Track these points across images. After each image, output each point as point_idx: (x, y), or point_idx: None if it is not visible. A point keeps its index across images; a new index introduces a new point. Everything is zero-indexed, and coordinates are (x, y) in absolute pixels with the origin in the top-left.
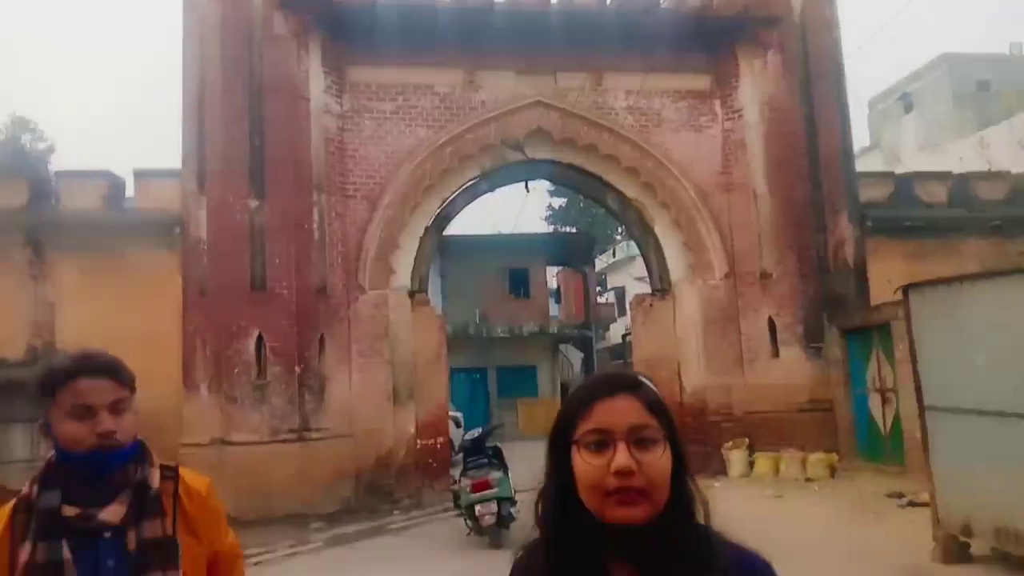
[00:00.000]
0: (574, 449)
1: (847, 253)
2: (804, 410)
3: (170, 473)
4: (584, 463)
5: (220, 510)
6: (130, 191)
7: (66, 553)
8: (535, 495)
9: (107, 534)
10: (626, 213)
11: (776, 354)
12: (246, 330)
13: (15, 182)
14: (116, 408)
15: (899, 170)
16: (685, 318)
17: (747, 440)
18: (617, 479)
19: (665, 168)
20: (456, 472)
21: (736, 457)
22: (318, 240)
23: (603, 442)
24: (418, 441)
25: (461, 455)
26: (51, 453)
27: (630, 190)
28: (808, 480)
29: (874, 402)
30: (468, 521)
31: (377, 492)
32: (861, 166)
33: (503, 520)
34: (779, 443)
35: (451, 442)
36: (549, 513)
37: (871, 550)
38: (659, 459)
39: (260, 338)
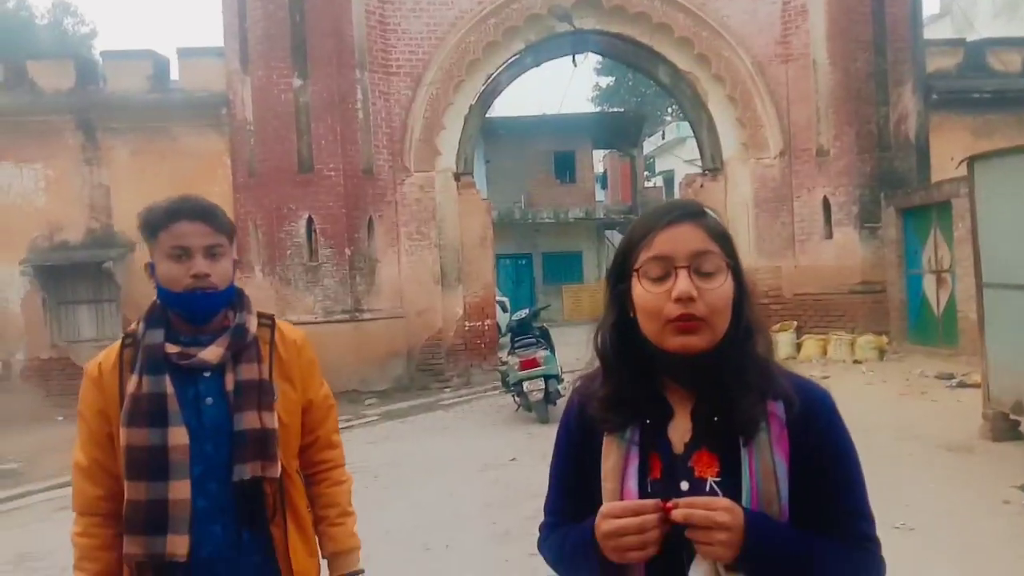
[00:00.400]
0: (635, 278)
1: (909, 128)
2: (855, 292)
3: (267, 321)
4: (644, 291)
5: (315, 361)
6: (174, 73)
7: (168, 387)
8: (582, 368)
9: (207, 374)
10: (678, 87)
11: (829, 235)
12: (296, 212)
13: (62, 64)
14: (211, 252)
15: (972, 39)
16: (737, 199)
17: (795, 322)
18: (678, 306)
19: (721, 38)
20: (503, 353)
21: (783, 339)
22: (363, 120)
23: (665, 270)
24: (466, 323)
25: (508, 336)
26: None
27: (683, 62)
28: (856, 362)
29: (928, 284)
30: (516, 397)
31: (428, 371)
32: (930, 34)
33: (550, 396)
34: (828, 325)
35: (498, 325)
36: (608, 342)
37: (919, 428)
38: (721, 287)
39: (310, 220)
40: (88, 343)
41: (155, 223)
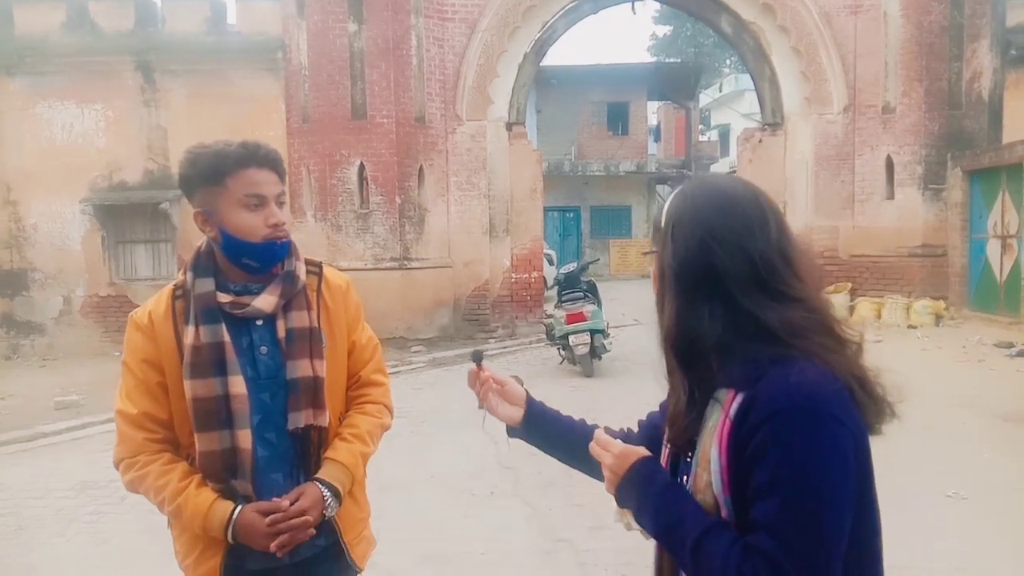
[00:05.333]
0: None
1: (983, 86)
2: (915, 255)
3: (314, 269)
4: None
5: (359, 305)
6: (231, 16)
7: (225, 336)
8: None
9: (259, 322)
10: (740, 38)
11: (891, 195)
12: (348, 159)
13: (122, 5)
14: (279, 201)
15: None
16: (796, 155)
17: (850, 284)
18: None
19: None
20: (550, 307)
21: (836, 301)
22: (416, 67)
23: None
24: (513, 275)
25: (555, 289)
26: (202, 241)
27: (747, 11)
28: (911, 327)
29: (993, 249)
30: (561, 351)
31: (473, 321)
32: None
33: (595, 351)
34: (883, 288)
35: (544, 278)
36: None
37: (975, 397)
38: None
39: (362, 167)
40: (144, 281)
41: (222, 168)
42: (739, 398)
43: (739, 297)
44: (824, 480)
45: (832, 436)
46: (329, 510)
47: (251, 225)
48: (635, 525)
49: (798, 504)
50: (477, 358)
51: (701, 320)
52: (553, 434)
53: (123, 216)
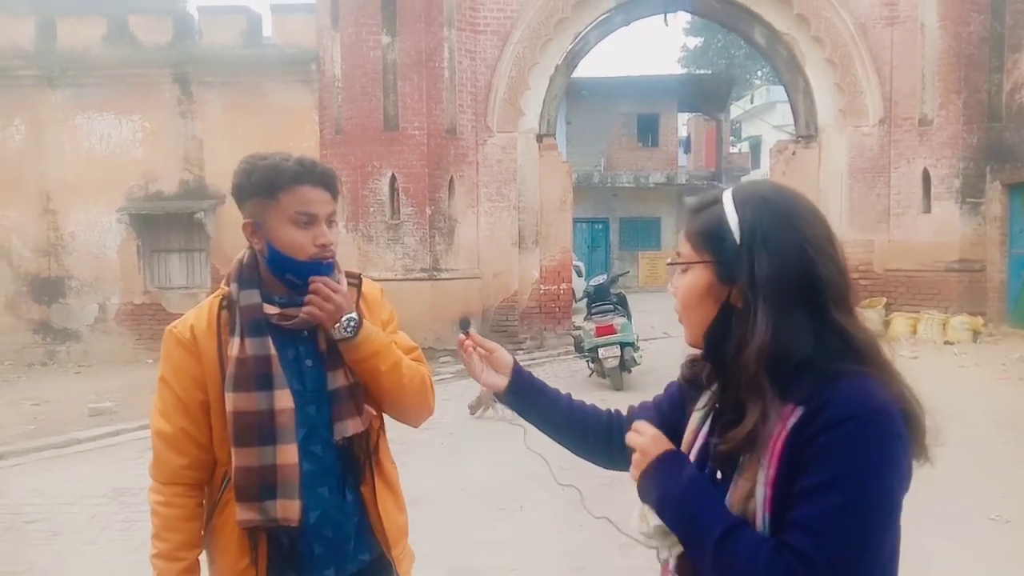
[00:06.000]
0: None
1: (1023, 97)
2: (952, 270)
3: (354, 281)
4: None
5: (392, 310)
6: (267, 28)
7: (272, 349)
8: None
9: (304, 333)
10: (774, 49)
11: (927, 209)
12: (379, 170)
13: (161, 19)
14: (330, 220)
15: None
16: (830, 168)
17: (884, 299)
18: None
19: None
20: (578, 318)
21: (870, 316)
22: (448, 79)
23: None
24: (542, 286)
25: (584, 301)
26: (244, 252)
27: (781, 22)
28: (947, 343)
29: None
30: (590, 364)
31: (502, 332)
32: None
33: (625, 364)
34: (919, 304)
35: (572, 290)
36: None
37: (1015, 416)
38: (681, 282)
39: (393, 178)
40: (178, 290)
41: (277, 183)
42: (798, 411)
43: (832, 310)
44: (882, 493)
45: (895, 453)
46: (346, 325)
47: (299, 243)
48: (654, 520)
49: (851, 509)
50: (465, 326)
51: (797, 334)
52: (539, 405)
53: (158, 225)
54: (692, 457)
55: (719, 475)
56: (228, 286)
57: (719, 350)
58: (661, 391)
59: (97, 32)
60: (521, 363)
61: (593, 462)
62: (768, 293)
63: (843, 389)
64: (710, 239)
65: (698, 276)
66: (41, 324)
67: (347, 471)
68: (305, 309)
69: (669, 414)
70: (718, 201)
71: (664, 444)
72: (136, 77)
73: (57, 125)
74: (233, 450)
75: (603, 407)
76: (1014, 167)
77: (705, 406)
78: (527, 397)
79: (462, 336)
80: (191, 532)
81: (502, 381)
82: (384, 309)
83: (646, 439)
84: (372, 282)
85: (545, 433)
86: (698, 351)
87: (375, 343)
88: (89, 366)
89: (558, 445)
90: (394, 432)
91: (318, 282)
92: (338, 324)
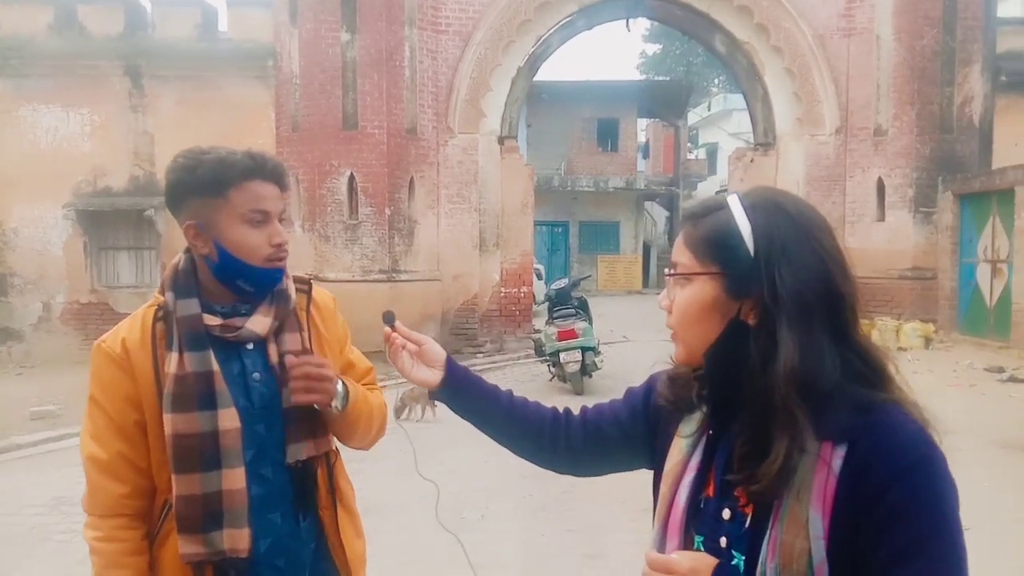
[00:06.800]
0: None
1: (974, 111)
2: (905, 277)
3: (303, 287)
4: None
5: (345, 324)
6: (223, 22)
7: (214, 364)
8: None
9: (249, 346)
10: (734, 58)
11: (882, 217)
12: (338, 169)
13: (112, 9)
14: (281, 218)
15: None
16: (788, 175)
17: None
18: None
19: (782, 7)
20: (538, 322)
21: None
22: (409, 78)
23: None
24: (502, 289)
25: (546, 304)
26: (179, 257)
27: (741, 31)
28: (901, 349)
29: (983, 273)
30: (551, 368)
31: (461, 335)
32: (1004, 11)
33: (586, 368)
34: (873, 311)
35: (533, 293)
36: None
37: (970, 423)
38: (680, 296)
39: (352, 178)
40: (127, 289)
41: (225, 178)
42: (839, 451)
43: (851, 329)
44: (960, 534)
45: (954, 486)
46: (338, 401)
47: (253, 243)
48: None
49: (948, 561)
50: (389, 319)
51: (824, 356)
52: (476, 402)
53: (107, 222)
54: (685, 490)
55: (728, 513)
56: (163, 295)
57: (724, 372)
58: (621, 395)
59: (43, 20)
60: (482, 367)
61: (536, 463)
62: (792, 309)
63: (887, 427)
64: (718, 248)
65: (703, 289)
66: None
67: (301, 495)
68: (295, 398)
69: (629, 425)
70: (724, 207)
71: (708, 561)
72: (85, 69)
73: None
74: (174, 477)
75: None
76: (965, 178)
77: (694, 432)
78: (462, 393)
79: (388, 330)
80: (138, 568)
81: (435, 377)
82: (338, 323)
83: (687, 565)
84: (324, 291)
85: (485, 432)
86: (679, 368)
87: (358, 407)
88: (32, 367)
89: (505, 449)
90: None
91: (298, 363)
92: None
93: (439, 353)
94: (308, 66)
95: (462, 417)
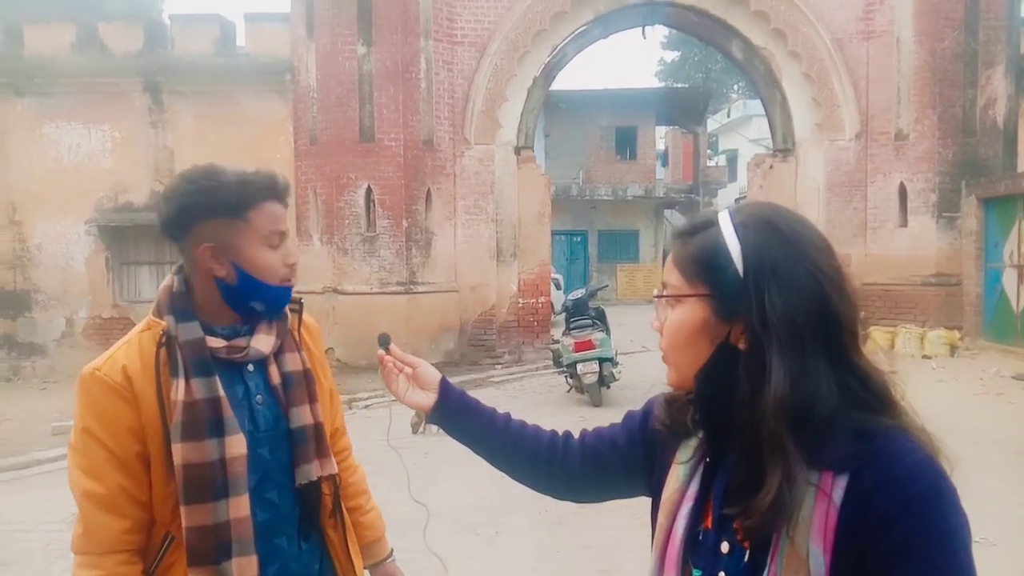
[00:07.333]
0: None
1: (997, 113)
2: (928, 284)
3: (296, 306)
4: None
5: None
6: (240, 37)
7: (220, 390)
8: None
9: (250, 368)
10: (751, 64)
11: (904, 223)
12: (355, 182)
13: (132, 26)
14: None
15: None
16: (807, 182)
17: (862, 313)
18: None
19: (799, 12)
20: (557, 332)
21: None
22: (425, 90)
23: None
24: (520, 300)
25: (563, 315)
26: (171, 279)
27: (758, 37)
28: (925, 357)
29: (1009, 278)
30: (569, 379)
31: (479, 347)
32: None
33: (604, 380)
34: (896, 318)
35: (551, 303)
36: None
37: (996, 432)
38: (669, 318)
39: (369, 190)
40: (148, 304)
41: (247, 200)
42: (840, 481)
43: (851, 352)
44: (971, 563)
45: (963, 514)
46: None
47: (273, 265)
48: None
49: None
50: (384, 342)
51: (819, 382)
52: (471, 425)
53: (128, 237)
54: (683, 521)
55: (727, 546)
56: (161, 318)
57: (715, 397)
58: (640, 407)
59: (66, 39)
60: (500, 378)
61: (533, 487)
62: (782, 334)
63: (891, 455)
64: (706, 268)
65: (691, 311)
66: (5, 339)
67: (307, 516)
68: None
69: (626, 450)
70: (713, 224)
71: None
72: (106, 86)
73: (23, 134)
74: (184, 508)
75: (581, 423)
76: (988, 181)
77: (691, 458)
78: (457, 417)
79: (381, 352)
80: None
81: (428, 400)
82: (322, 346)
83: None
84: (307, 314)
85: (480, 455)
86: (677, 391)
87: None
88: (55, 382)
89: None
90: (361, 453)
91: None
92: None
93: (434, 375)
94: (325, 79)
95: (457, 440)
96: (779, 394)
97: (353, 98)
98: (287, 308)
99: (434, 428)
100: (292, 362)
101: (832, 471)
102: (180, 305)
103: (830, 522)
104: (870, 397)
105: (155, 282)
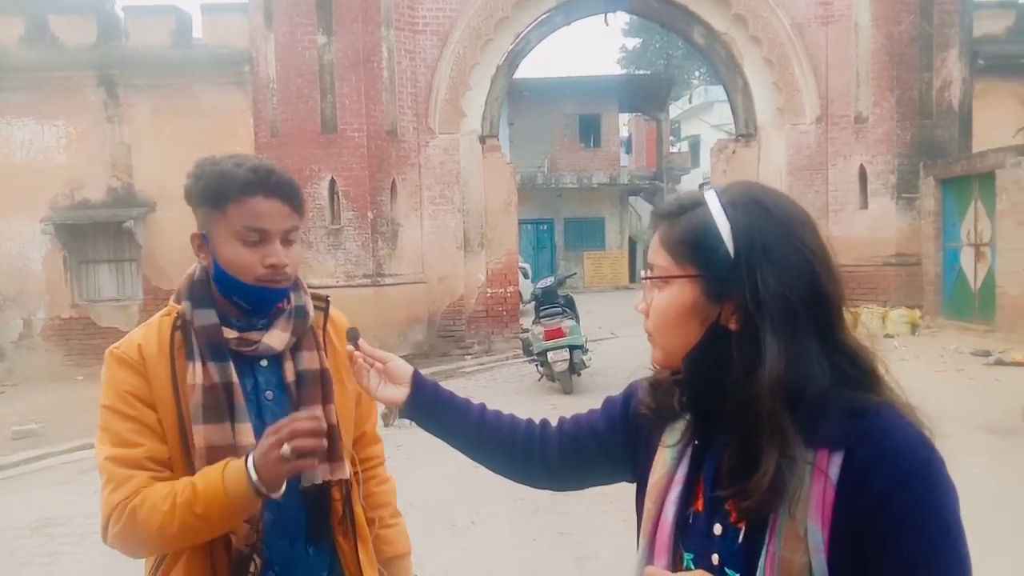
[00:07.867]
0: None
1: (952, 95)
2: (889, 264)
3: (321, 304)
4: None
5: None
6: (197, 29)
7: (234, 376)
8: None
9: (264, 363)
10: (712, 49)
11: (864, 205)
12: (318, 174)
13: (84, 19)
14: (287, 238)
15: None
16: (770, 166)
17: None
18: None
19: None
20: (526, 321)
21: None
22: (387, 80)
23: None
24: (488, 289)
25: (533, 303)
26: (194, 267)
27: (719, 22)
28: (887, 336)
29: (966, 257)
30: (540, 367)
31: (449, 338)
32: None
33: (574, 367)
34: (859, 298)
35: (520, 293)
36: None
37: (957, 408)
38: (655, 300)
39: (332, 182)
40: (108, 302)
41: (224, 193)
42: (836, 459)
43: (839, 331)
44: (964, 540)
45: (953, 487)
46: None
47: (245, 262)
48: None
49: (955, 571)
50: (353, 336)
51: (812, 361)
52: (445, 418)
53: (86, 235)
54: (672, 505)
55: (719, 528)
56: (179, 303)
57: (704, 378)
58: (611, 392)
59: (14, 32)
60: (470, 368)
61: (512, 479)
62: (776, 314)
63: (884, 431)
64: (696, 249)
65: (680, 293)
66: None
67: (314, 520)
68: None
69: (606, 436)
70: (701, 204)
71: None
72: (58, 80)
73: None
74: None
75: (554, 411)
76: (946, 163)
77: (679, 442)
78: (430, 410)
79: (350, 348)
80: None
81: (400, 394)
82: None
83: None
84: (341, 314)
85: (457, 448)
86: (660, 374)
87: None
88: (14, 385)
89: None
90: None
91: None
92: None
93: (405, 369)
94: (285, 70)
95: (432, 434)
96: (775, 374)
97: (314, 89)
98: (312, 306)
99: (406, 420)
100: (309, 360)
101: (828, 449)
102: (199, 292)
103: (827, 499)
104: (859, 374)
105: (115, 280)
